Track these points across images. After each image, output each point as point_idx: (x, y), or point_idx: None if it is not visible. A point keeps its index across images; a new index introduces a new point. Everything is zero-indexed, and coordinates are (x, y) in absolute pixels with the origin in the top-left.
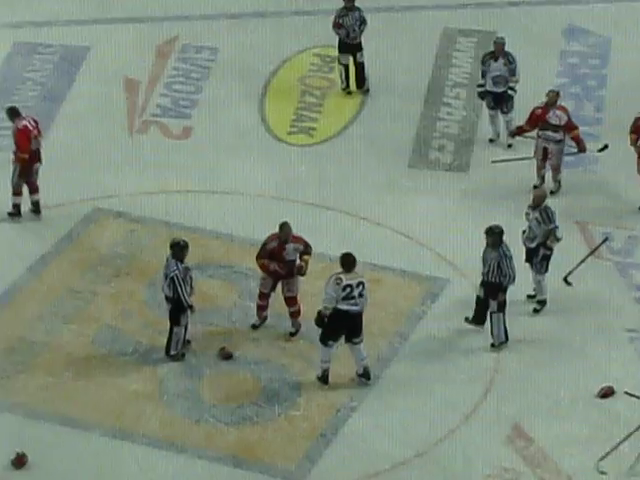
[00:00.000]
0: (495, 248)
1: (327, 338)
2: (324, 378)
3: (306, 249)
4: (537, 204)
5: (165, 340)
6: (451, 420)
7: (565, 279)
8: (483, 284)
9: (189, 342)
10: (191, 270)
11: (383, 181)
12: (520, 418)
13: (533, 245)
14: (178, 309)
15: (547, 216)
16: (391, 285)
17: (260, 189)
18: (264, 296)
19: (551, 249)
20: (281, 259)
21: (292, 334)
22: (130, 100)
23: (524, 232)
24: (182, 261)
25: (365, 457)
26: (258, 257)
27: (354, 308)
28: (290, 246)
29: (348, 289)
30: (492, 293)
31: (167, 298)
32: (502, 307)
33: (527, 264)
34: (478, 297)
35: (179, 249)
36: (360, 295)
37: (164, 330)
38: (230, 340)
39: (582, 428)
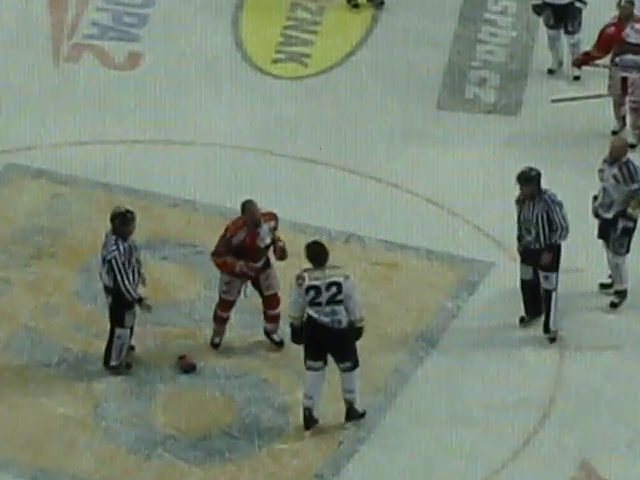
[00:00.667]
0: (538, 198)
1: (305, 357)
2: (305, 421)
3: (276, 223)
4: (615, 157)
5: (104, 346)
6: (495, 457)
7: None
8: (527, 256)
9: (133, 348)
10: (139, 250)
11: (402, 127)
12: (590, 453)
13: (609, 215)
14: (122, 304)
15: (629, 173)
16: (413, 271)
17: (234, 138)
18: (227, 305)
19: (634, 220)
20: (255, 251)
21: (278, 344)
22: (56, 17)
23: (596, 197)
24: (126, 238)
25: None
26: (216, 254)
27: (324, 319)
28: (264, 228)
29: (312, 292)
30: (539, 260)
31: (106, 288)
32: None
33: (601, 241)
34: (524, 281)
35: (122, 222)
36: (332, 301)
37: (103, 333)
38: (193, 346)
39: None
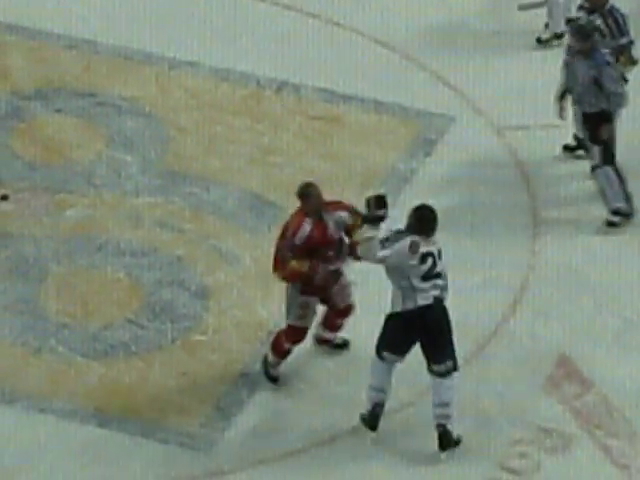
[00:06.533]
0: (587, 54)
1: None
2: (370, 417)
3: (354, 213)
4: (596, 3)
5: None
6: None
7: None
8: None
9: None
10: None
11: None
12: (569, 347)
13: None
14: None
15: (615, 23)
16: (358, 127)
17: None
18: (302, 334)
19: (625, 81)
20: (327, 247)
21: (344, 344)
22: None
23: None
24: None
25: (318, 407)
26: (280, 264)
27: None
28: (330, 218)
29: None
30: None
31: None
32: (610, 157)
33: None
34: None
35: None
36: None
37: None
38: (93, 218)
39: None
